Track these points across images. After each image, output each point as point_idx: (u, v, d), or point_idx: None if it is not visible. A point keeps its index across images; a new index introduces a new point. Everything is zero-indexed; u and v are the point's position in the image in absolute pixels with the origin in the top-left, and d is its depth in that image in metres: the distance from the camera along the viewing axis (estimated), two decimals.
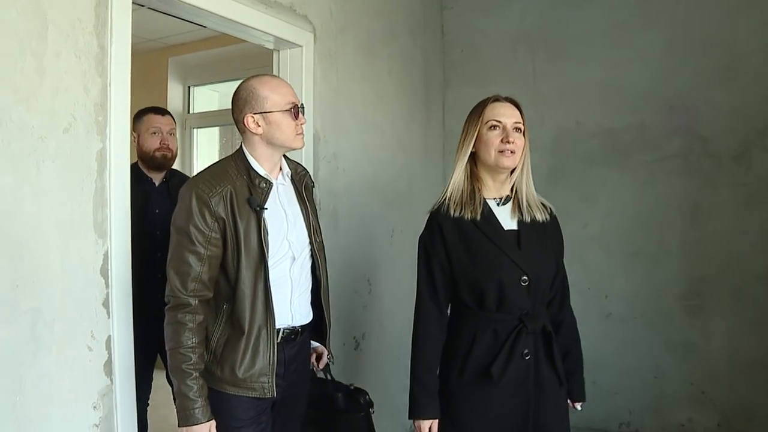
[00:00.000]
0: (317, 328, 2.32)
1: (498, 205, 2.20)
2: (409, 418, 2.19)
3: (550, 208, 2.27)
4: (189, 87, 5.98)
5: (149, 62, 5.62)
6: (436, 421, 2.15)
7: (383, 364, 3.79)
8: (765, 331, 3.72)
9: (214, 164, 2.18)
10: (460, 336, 2.18)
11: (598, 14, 4.17)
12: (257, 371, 2.03)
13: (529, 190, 2.21)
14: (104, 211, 2.16)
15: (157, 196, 3.19)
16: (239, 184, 2.05)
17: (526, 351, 2.10)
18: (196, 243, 1.97)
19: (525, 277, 2.09)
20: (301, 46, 3.07)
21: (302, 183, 2.27)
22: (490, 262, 2.11)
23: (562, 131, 4.23)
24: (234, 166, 2.10)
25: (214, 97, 6.16)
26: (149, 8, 2.55)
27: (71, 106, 2.04)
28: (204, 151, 6.03)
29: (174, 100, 5.86)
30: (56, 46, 2.00)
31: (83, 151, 2.09)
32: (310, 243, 2.23)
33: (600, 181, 4.16)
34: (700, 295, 3.86)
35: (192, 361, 1.96)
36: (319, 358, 2.41)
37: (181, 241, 1.99)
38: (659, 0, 3.99)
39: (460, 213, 2.15)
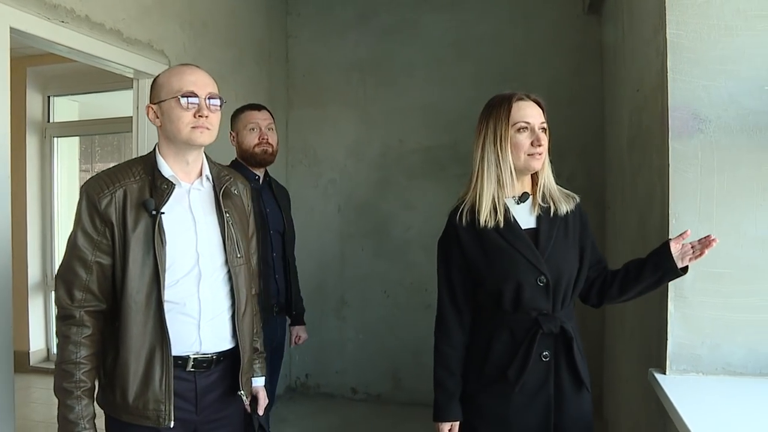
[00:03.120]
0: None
1: (516, 203, 2.09)
2: (433, 420, 2.11)
3: (574, 198, 2.16)
4: (49, 97, 6.06)
5: None
6: (458, 423, 2.08)
7: None
8: None
9: (123, 162, 2.00)
10: (478, 337, 2.10)
11: (420, 50, 4.92)
12: (150, 397, 1.81)
13: (550, 184, 2.11)
14: None
15: (265, 196, 3.17)
16: (140, 185, 1.86)
17: (545, 353, 2.00)
18: (83, 248, 1.81)
19: (542, 277, 1.99)
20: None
21: (221, 189, 2.00)
22: (506, 263, 2.01)
23: (387, 148, 4.93)
24: (142, 165, 1.93)
25: (74, 107, 6.30)
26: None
27: None
28: (65, 160, 6.18)
29: (33, 109, 5.93)
30: None
31: None
32: (227, 261, 1.96)
33: (420, 191, 4.89)
34: None
35: (75, 379, 1.78)
36: (254, 399, 2.16)
37: (68, 245, 1.85)
38: (468, 41, 4.80)
39: (480, 216, 2.03)
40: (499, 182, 2.03)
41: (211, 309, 1.92)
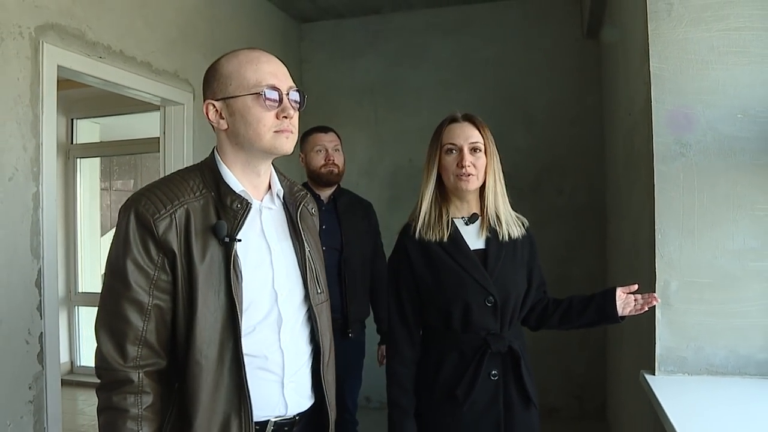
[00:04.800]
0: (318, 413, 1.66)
1: (466, 224, 2.11)
2: None
3: (524, 223, 2.20)
4: (72, 119, 6.34)
5: None
6: None
7: None
8: None
9: (173, 173, 1.58)
10: (428, 357, 2.09)
11: (428, 74, 5.18)
12: None
13: (499, 207, 2.11)
14: (38, 238, 2.81)
15: (325, 213, 3.13)
16: (203, 203, 1.47)
17: (494, 372, 2.02)
18: (136, 287, 1.39)
19: (491, 298, 2.01)
20: (183, 104, 3.80)
21: (298, 209, 1.64)
22: (455, 283, 2.02)
23: (397, 167, 5.17)
24: (199, 177, 1.52)
25: (95, 128, 6.56)
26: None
27: (14, 160, 2.70)
28: (86, 179, 6.43)
29: (59, 132, 6.02)
30: (2, 117, 2.66)
31: (23, 194, 2.75)
32: (307, 297, 1.60)
33: None
34: None
35: None
36: None
37: (113, 285, 1.41)
38: (474, 65, 5.06)
39: (426, 235, 2.06)
40: (433, 201, 2.08)
41: (295, 361, 1.56)
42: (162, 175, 3.77)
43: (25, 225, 2.75)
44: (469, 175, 2.03)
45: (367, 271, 3.41)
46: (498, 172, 2.12)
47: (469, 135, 2.08)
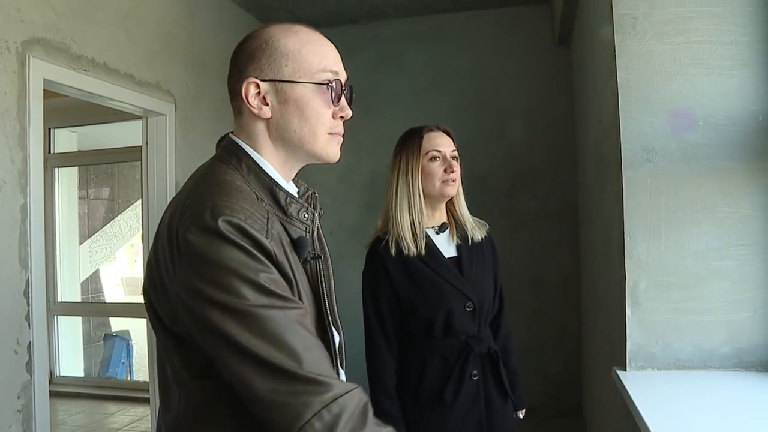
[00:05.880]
0: None
1: (436, 233, 2.18)
2: None
3: (485, 225, 2.30)
4: (50, 129, 6.28)
5: None
6: None
7: None
8: (532, 325, 4.92)
9: (203, 175, 1.22)
10: (410, 364, 2.13)
11: (404, 81, 5.30)
12: None
13: (465, 214, 2.22)
14: (26, 249, 2.86)
15: None
16: (272, 211, 1.18)
17: (474, 372, 2.11)
18: (283, 296, 1.08)
19: (470, 303, 2.09)
20: (165, 115, 3.87)
21: (318, 215, 1.32)
22: (436, 292, 2.09)
23: (375, 174, 5.25)
24: (241, 179, 1.20)
25: (73, 137, 6.56)
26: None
27: (2, 173, 2.75)
28: (65, 189, 6.44)
29: None
30: None
31: (11, 206, 2.80)
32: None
33: None
34: None
35: None
36: None
37: (253, 313, 1.03)
38: (449, 72, 5.18)
39: (404, 248, 2.08)
40: (413, 211, 2.10)
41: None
42: (144, 186, 3.87)
43: (13, 236, 2.80)
44: (454, 181, 2.14)
45: None
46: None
47: (449, 143, 2.19)
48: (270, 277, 1.07)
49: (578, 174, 4.69)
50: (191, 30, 4.21)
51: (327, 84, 1.23)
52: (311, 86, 1.22)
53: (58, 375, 6.23)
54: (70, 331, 6.52)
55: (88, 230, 8.41)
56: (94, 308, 7.83)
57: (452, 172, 2.12)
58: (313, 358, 1.05)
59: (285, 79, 1.21)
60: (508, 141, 5.06)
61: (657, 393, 2.21)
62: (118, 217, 8.97)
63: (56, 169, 6.36)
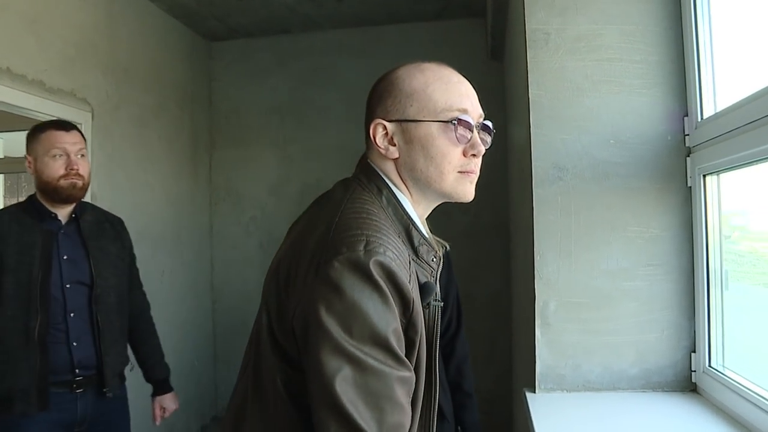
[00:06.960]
0: None
1: None
2: None
3: (445, 246, 2.25)
4: None
5: None
6: None
7: None
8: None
9: (350, 198, 1.23)
10: None
11: (335, 93, 5.22)
12: None
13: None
14: None
15: (65, 238, 2.52)
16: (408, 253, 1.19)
17: None
18: (399, 357, 1.07)
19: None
20: (80, 124, 3.71)
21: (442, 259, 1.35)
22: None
23: (306, 186, 5.16)
24: (381, 210, 1.22)
25: None
26: None
27: None
28: None
29: None
30: None
31: None
32: None
33: None
34: None
35: None
36: None
37: (364, 364, 1.02)
38: None
39: None
40: None
41: None
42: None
43: None
44: None
45: (125, 308, 2.75)
46: None
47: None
48: (397, 331, 1.06)
49: (508, 189, 4.67)
50: (111, 36, 4.06)
51: (452, 122, 1.23)
52: (436, 125, 1.23)
53: None
54: None
55: None
56: None
57: None
58: (390, 426, 1.02)
59: (409, 119, 1.24)
60: None
61: (561, 416, 2.17)
62: None
63: None
